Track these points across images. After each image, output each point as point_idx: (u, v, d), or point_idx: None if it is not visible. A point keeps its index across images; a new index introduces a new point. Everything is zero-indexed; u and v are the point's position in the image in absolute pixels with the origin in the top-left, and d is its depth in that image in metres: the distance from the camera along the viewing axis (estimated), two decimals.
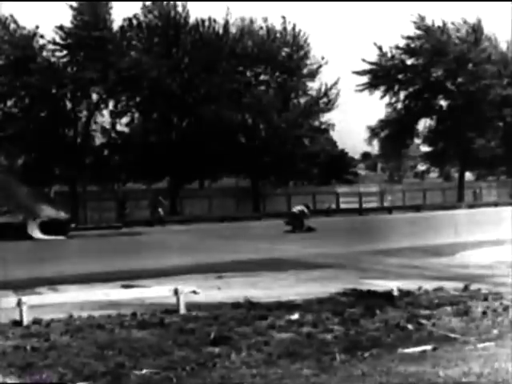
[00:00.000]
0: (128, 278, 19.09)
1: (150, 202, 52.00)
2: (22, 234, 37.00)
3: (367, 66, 64.43)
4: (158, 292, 14.79)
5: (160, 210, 50.47)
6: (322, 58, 58.41)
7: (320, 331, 11.36)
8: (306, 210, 40.37)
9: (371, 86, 64.93)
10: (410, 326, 11.54)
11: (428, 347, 10.01)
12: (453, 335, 10.81)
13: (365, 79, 64.76)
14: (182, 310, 13.33)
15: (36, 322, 12.51)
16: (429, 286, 15.81)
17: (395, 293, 14.82)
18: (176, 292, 13.65)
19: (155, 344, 10.61)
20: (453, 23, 64.29)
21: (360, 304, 13.59)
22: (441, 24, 63.66)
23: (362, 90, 64.79)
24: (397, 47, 64.42)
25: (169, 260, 24.24)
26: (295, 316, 12.55)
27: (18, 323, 12.41)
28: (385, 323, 11.82)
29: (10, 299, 13.75)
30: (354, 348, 10.08)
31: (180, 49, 54.41)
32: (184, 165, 52.54)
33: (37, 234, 38.25)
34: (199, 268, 21.47)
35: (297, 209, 40.61)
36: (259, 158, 55.11)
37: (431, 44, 63.07)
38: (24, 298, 13.05)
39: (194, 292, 14.16)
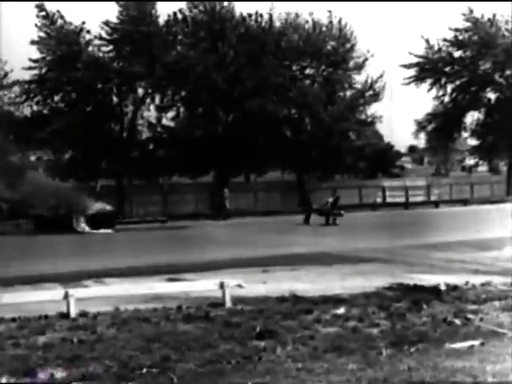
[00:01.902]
0: (173, 271, 19.15)
1: (213, 195, 52.04)
2: (68, 228, 37.35)
3: (414, 59, 63.92)
4: (203, 286, 14.83)
5: (226, 202, 50.45)
6: (368, 51, 58.08)
7: (366, 325, 11.32)
8: (329, 201, 41.72)
9: (418, 79, 64.33)
10: (457, 321, 11.44)
11: (475, 342, 9.91)
12: (501, 330, 10.68)
13: (412, 72, 64.26)
14: (228, 304, 13.35)
15: (83, 314, 12.63)
16: (476, 280, 15.66)
17: (442, 287, 14.70)
18: (221, 286, 13.68)
19: (201, 337, 10.63)
20: (502, 15, 63.51)
21: (406, 298, 13.50)
22: (490, 16, 62.89)
23: (408, 83, 64.30)
24: (444, 40, 63.76)
25: (214, 254, 24.29)
26: (341, 310, 12.51)
27: (65, 316, 12.53)
28: (432, 318, 11.74)
29: (58, 292, 13.88)
30: (401, 343, 10.03)
31: (225, 43, 54.35)
32: (229, 159, 52.52)
33: (83, 227, 38.57)
34: (244, 262, 21.47)
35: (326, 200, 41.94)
36: (305, 151, 54.88)
37: (479, 36, 62.32)
38: (71, 291, 13.18)
39: (240, 286, 14.17)
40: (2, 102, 52.47)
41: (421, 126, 70.78)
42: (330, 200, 42.37)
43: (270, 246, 27.45)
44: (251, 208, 52.76)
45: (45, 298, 13.43)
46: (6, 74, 51.48)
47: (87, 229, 38.48)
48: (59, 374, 8.87)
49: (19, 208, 38.86)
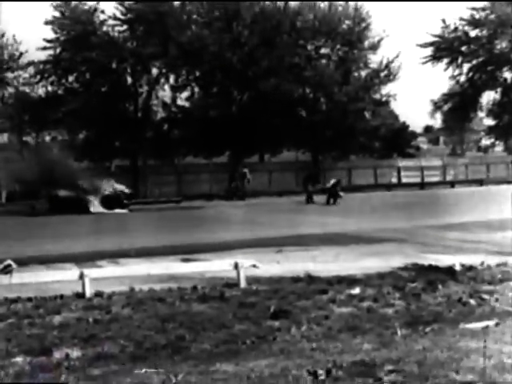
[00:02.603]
0: (188, 251, 19.20)
1: (236, 175, 51.71)
2: (83, 208, 37.44)
3: (430, 39, 63.49)
4: (218, 266, 14.86)
5: (246, 182, 50.19)
6: (384, 31, 57.84)
7: (381, 306, 11.32)
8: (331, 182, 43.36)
9: (434, 58, 63.89)
10: (472, 301, 11.42)
11: (491, 322, 9.88)
12: None
13: (428, 52, 63.83)
14: (242, 284, 13.37)
15: (98, 294, 12.68)
16: (492, 261, 15.61)
17: (457, 268, 14.66)
18: (236, 266, 13.69)
19: (215, 317, 10.66)
20: None
21: (421, 279, 13.49)
22: None
23: (425, 63, 63.93)
24: (461, 19, 63.27)
25: (228, 234, 24.33)
26: (356, 290, 12.51)
27: (80, 295, 12.59)
28: (447, 298, 11.73)
29: (73, 272, 13.94)
30: (416, 323, 10.03)
31: (240, 23, 54.17)
32: (244, 139, 52.50)
33: (98, 207, 38.66)
34: (259, 242, 21.50)
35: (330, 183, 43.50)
36: (320, 131, 54.79)
37: (496, 15, 61.81)
38: (86, 271, 13.23)
39: (254, 266, 14.19)
40: (17, 83, 52.55)
41: (437, 105, 70.41)
42: (332, 182, 43.19)
43: (285, 226, 27.45)
44: (265, 188, 52.73)
45: (60, 278, 13.49)
46: (21, 54, 51.52)
47: (101, 209, 38.57)
48: (75, 353, 8.92)
49: (34, 188, 38.95)
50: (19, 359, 8.67)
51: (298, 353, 8.61)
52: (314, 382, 7.00)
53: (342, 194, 42.19)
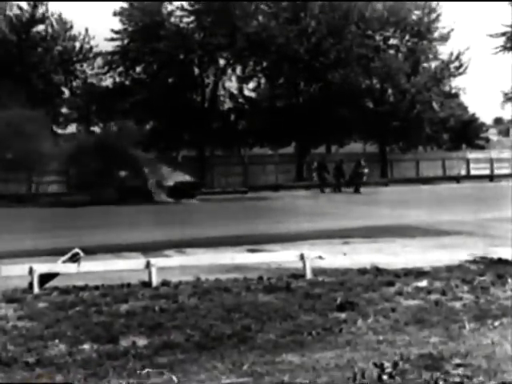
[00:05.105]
0: (254, 242, 19.24)
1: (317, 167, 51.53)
2: (150, 198, 37.76)
3: (502, 29, 62.40)
4: (284, 257, 14.86)
5: (326, 175, 50.02)
6: (454, 22, 57.23)
7: (449, 299, 11.19)
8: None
9: (505, 48, 62.84)
10: None
11: None
12: None
13: (499, 42, 62.76)
14: (309, 275, 13.33)
15: (164, 283, 12.76)
16: None
17: None
18: (302, 257, 13.66)
19: (281, 308, 10.64)
20: None
21: (490, 272, 13.30)
22: None
23: (495, 53, 62.86)
24: None
25: (294, 225, 24.30)
26: (423, 283, 12.39)
27: (147, 284, 12.69)
28: None
29: (140, 261, 14.07)
30: (484, 317, 9.88)
31: (307, 13, 53.98)
32: (311, 130, 52.37)
33: (165, 197, 38.97)
34: (325, 233, 21.41)
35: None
36: (387, 122, 54.40)
37: None
38: (153, 260, 13.32)
39: (320, 257, 14.12)
40: (85, 74, 53.26)
41: (507, 97, 69.25)
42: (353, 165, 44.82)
43: (349, 217, 27.36)
44: (332, 179, 52.48)
45: (127, 267, 13.63)
46: (91, 48, 52.23)
47: (168, 199, 38.87)
48: (141, 341, 8.99)
49: (100, 178, 39.32)
50: (86, 346, 8.78)
51: (365, 345, 8.56)
52: (381, 375, 6.93)
53: (365, 174, 42.65)
